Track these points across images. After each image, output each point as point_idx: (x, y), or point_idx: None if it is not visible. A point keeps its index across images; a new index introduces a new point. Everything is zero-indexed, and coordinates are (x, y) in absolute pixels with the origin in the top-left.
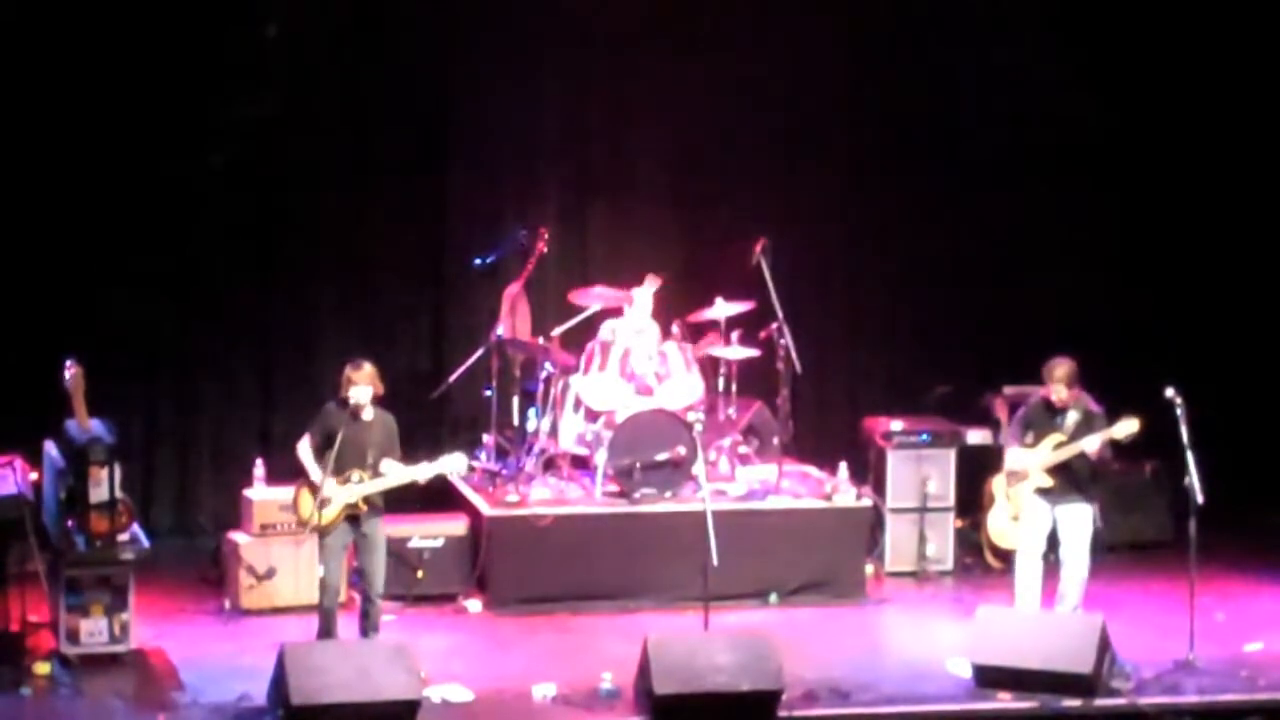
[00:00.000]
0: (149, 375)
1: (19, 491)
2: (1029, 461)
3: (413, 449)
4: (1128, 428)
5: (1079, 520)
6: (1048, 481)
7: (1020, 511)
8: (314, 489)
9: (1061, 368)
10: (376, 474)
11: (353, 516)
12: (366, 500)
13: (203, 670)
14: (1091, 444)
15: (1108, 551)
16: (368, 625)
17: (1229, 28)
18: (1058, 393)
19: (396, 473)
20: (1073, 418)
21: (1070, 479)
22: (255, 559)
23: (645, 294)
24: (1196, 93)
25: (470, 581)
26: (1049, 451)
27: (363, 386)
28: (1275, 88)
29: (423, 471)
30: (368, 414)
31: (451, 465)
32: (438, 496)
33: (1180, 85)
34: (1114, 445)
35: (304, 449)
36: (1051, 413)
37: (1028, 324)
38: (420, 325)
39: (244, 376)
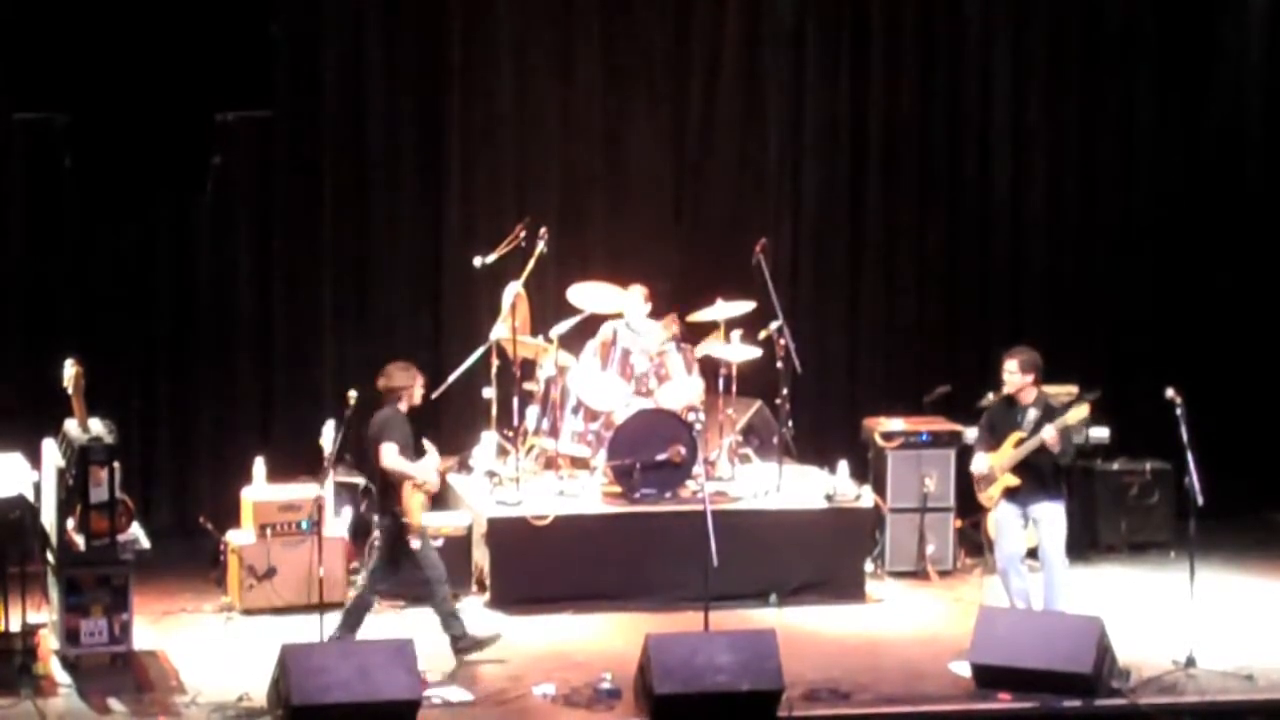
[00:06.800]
0: (149, 375)
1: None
2: (993, 463)
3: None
4: (1079, 413)
5: (1053, 519)
6: (1015, 481)
7: (993, 517)
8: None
9: (1015, 355)
10: None
11: None
12: None
13: (203, 670)
14: (1049, 432)
15: (1108, 551)
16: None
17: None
18: (1011, 381)
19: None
20: (1032, 414)
21: (1038, 476)
22: (255, 559)
23: (632, 303)
24: (1198, 91)
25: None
26: (1010, 449)
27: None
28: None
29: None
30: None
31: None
32: (437, 496)
33: (1180, 83)
34: (1098, 446)
35: (397, 458)
36: (1012, 410)
37: (1028, 324)
38: (420, 325)
39: (244, 377)
